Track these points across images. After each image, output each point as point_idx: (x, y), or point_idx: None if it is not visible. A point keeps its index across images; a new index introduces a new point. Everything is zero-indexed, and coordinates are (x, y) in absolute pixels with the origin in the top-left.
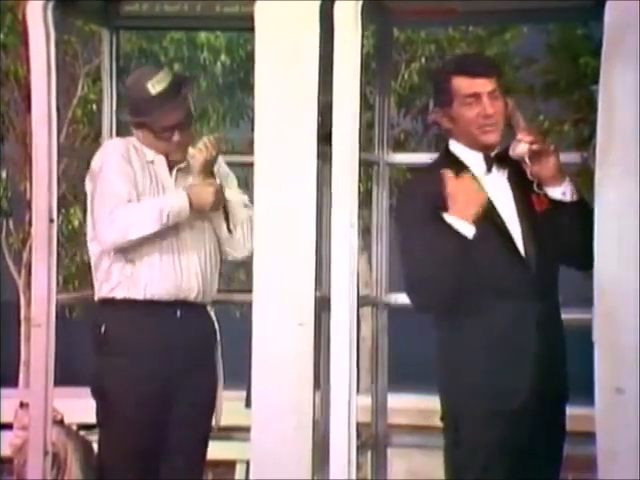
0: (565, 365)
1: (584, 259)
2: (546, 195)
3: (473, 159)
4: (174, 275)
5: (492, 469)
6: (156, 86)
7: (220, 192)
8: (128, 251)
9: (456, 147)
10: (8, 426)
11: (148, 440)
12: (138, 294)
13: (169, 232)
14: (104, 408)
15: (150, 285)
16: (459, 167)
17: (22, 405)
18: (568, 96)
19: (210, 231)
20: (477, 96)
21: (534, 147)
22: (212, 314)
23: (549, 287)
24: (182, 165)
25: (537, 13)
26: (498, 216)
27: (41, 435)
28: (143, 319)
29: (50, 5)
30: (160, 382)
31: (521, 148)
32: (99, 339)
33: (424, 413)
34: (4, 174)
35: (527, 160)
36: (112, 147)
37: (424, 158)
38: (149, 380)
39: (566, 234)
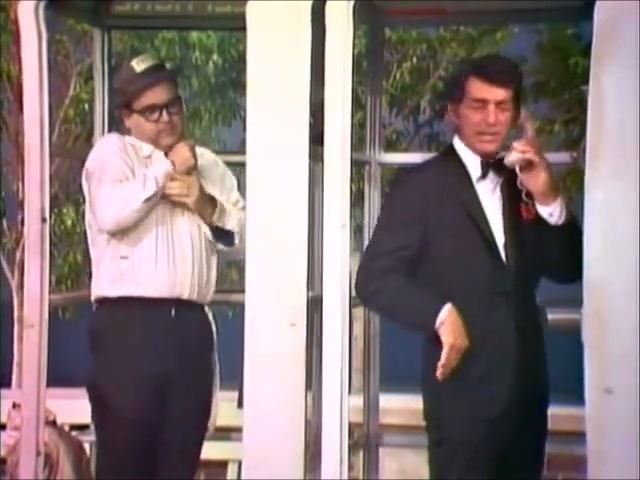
0: (546, 367)
1: (562, 275)
2: (534, 205)
3: (472, 161)
4: (168, 272)
5: (474, 469)
6: (140, 64)
7: (194, 149)
8: (122, 246)
9: (459, 145)
10: (2, 427)
11: (143, 440)
12: (132, 291)
13: (164, 228)
14: (99, 407)
15: (144, 282)
16: (458, 166)
17: (15, 406)
18: (558, 96)
19: (205, 230)
20: (484, 102)
21: (526, 156)
22: (210, 316)
23: (530, 292)
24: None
25: (527, 13)
26: (485, 222)
27: (33, 435)
28: (137, 317)
29: (42, 5)
30: (154, 381)
31: (513, 156)
32: (94, 338)
33: (416, 413)
34: None
35: (517, 169)
36: (107, 139)
37: (416, 158)
38: (143, 379)
39: (548, 249)
